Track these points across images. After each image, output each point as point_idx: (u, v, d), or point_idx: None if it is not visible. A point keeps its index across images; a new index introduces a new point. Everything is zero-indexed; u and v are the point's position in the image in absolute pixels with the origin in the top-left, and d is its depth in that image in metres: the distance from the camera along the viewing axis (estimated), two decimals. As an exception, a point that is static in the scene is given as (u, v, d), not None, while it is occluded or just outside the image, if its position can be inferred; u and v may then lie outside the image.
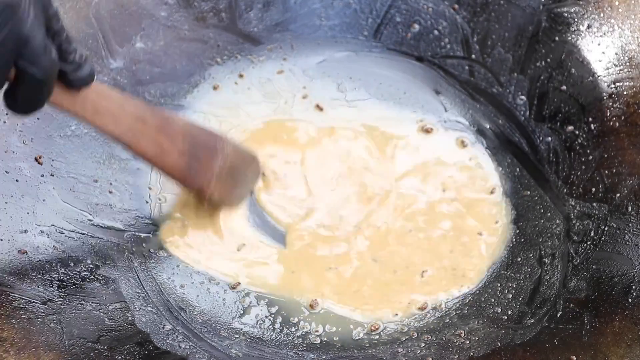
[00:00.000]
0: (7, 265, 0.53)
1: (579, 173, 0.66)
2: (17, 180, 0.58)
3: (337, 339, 0.58)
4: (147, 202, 0.66)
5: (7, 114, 0.59)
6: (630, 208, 0.60)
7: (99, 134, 0.59)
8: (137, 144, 0.55)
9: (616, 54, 0.68)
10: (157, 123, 0.56)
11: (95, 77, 0.48)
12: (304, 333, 0.59)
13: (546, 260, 0.62)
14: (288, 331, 0.59)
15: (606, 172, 0.64)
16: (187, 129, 0.59)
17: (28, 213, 0.57)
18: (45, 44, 0.41)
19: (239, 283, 0.61)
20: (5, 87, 0.41)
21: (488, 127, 0.74)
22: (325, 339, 0.58)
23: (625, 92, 0.66)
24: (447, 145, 0.72)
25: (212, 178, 0.60)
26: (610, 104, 0.67)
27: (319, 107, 0.74)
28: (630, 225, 0.60)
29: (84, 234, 0.59)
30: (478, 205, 0.67)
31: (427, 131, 0.73)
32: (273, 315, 0.60)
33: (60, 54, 0.43)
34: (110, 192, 0.64)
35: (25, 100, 0.43)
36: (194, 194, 0.63)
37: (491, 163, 0.71)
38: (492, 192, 0.68)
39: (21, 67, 0.40)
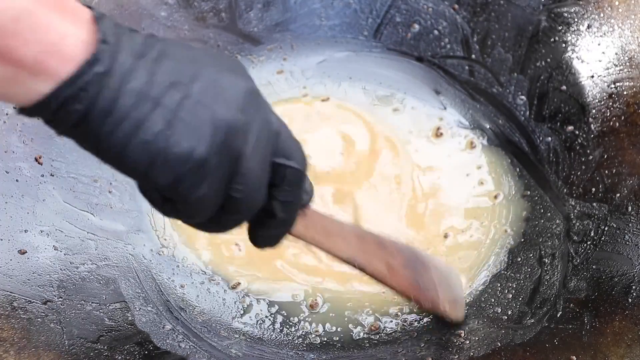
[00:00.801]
0: (7, 265, 0.53)
1: (579, 173, 0.66)
2: (17, 180, 0.58)
3: (337, 339, 0.58)
4: (147, 201, 0.66)
5: (7, 114, 0.59)
6: (630, 208, 0.60)
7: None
8: (370, 264, 0.52)
9: (616, 54, 0.68)
10: (374, 240, 0.53)
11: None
12: (304, 333, 0.59)
13: (546, 260, 0.62)
14: (288, 331, 0.59)
15: (606, 172, 0.64)
16: (396, 244, 0.55)
17: (28, 213, 0.57)
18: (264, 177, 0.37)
19: (239, 283, 0.61)
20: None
21: (488, 127, 0.74)
22: (325, 339, 0.58)
23: (625, 92, 0.66)
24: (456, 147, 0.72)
25: (436, 291, 0.56)
26: (610, 104, 0.67)
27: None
28: (630, 225, 0.60)
29: (84, 234, 0.59)
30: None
31: (438, 135, 0.73)
32: (273, 315, 0.60)
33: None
34: (110, 192, 0.64)
35: (273, 235, 0.41)
36: (426, 308, 0.59)
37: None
38: (495, 197, 0.68)
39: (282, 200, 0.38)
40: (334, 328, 0.59)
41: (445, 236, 0.65)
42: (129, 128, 0.31)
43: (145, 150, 0.31)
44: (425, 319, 0.60)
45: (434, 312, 0.58)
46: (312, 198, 0.44)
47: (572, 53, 0.71)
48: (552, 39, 0.73)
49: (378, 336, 0.59)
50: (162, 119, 0.31)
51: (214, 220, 0.37)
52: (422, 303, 0.57)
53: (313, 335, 0.58)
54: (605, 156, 0.65)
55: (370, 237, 0.52)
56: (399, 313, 0.60)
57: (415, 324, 0.59)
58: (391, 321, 0.60)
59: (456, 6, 0.78)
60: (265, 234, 0.41)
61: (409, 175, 0.70)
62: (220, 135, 0.33)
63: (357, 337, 0.58)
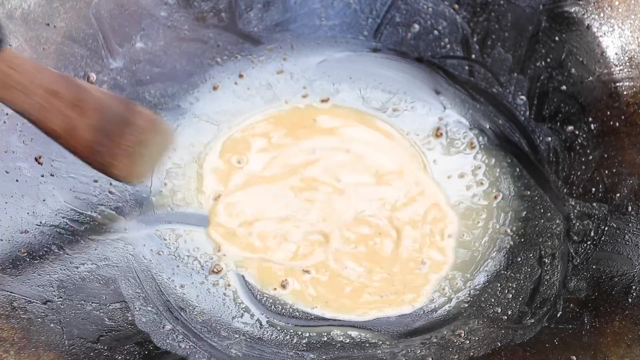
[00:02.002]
0: (7, 265, 0.53)
1: (579, 173, 0.66)
2: (17, 180, 0.58)
3: (337, 338, 0.58)
4: (147, 201, 0.66)
5: (7, 114, 0.59)
6: (630, 208, 0.60)
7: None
8: (46, 121, 0.52)
9: (616, 54, 0.68)
10: (71, 96, 0.53)
11: (5, 45, 0.46)
12: (304, 333, 0.59)
13: (546, 260, 0.62)
14: (288, 331, 0.59)
15: (606, 172, 0.64)
16: (101, 100, 0.56)
17: (28, 213, 0.57)
18: None
19: (222, 268, 0.62)
20: None
21: (488, 127, 0.74)
22: (326, 339, 0.58)
23: (625, 92, 0.66)
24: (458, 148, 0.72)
25: (121, 155, 0.57)
26: (610, 104, 0.67)
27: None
28: (630, 225, 0.60)
29: (84, 234, 0.59)
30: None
31: (438, 135, 0.73)
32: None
33: None
34: (110, 192, 0.64)
35: None
36: (98, 169, 0.59)
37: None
38: (495, 197, 0.68)
39: None
40: (334, 328, 0.59)
41: (445, 236, 0.65)
42: None
43: None
44: (425, 319, 0.60)
45: (103, 173, 0.59)
46: None
47: (572, 53, 0.71)
48: (552, 39, 0.73)
49: (378, 336, 0.59)
50: None
51: None
52: (91, 165, 0.57)
53: (313, 335, 0.58)
54: (605, 156, 0.65)
55: (67, 94, 0.52)
56: (400, 312, 0.60)
57: (416, 323, 0.60)
58: (391, 321, 0.60)
59: (456, 6, 0.78)
60: None
61: (409, 174, 0.70)
62: None
63: (357, 337, 0.58)
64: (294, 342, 0.58)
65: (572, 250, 0.61)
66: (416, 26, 0.79)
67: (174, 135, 0.64)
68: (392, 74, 0.78)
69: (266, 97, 0.75)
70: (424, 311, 0.61)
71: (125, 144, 0.57)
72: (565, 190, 0.66)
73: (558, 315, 0.56)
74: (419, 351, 0.56)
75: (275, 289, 0.61)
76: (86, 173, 0.63)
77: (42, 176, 0.60)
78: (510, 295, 0.60)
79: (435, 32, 0.78)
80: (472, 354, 0.55)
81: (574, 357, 0.51)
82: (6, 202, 0.56)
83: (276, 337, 0.58)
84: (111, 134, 0.56)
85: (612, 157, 0.64)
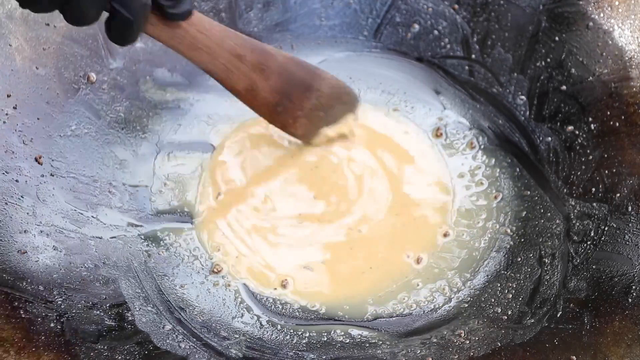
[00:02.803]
0: (7, 265, 0.53)
1: (579, 173, 0.66)
2: (17, 181, 0.58)
3: (337, 338, 0.58)
4: (147, 202, 0.66)
5: (7, 114, 0.59)
6: (630, 208, 0.60)
7: (106, 129, 0.61)
8: (229, 81, 0.58)
9: (616, 54, 0.68)
10: (255, 60, 0.58)
11: (193, 12, 0.52)
12: (304, 333, 0.59)
13: (546, 260, 0.62)
14: (288, 331, 0.59)
15: (606, 172, 0.64)
16: (285, 65, 0.60)
17: (28, 213, 0.57)
18: None
19: (222, 268, 0.62)
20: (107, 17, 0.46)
21: (488, 127, 0.74)
22: (326, 339, 0.58)
23: (625, 92, 0.66)
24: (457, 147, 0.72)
25: (301, 116, 0.61)
26: (610, 103, 0.67)
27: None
28: (630, 225, 0.60)
29: (84, 234, 0.59)
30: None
31: (438, 135, 0.73)
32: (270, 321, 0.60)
33: None
34: (110, 192, 0.64)
35: (117, 34, 0.48)
36: (278, 127, 0.65)
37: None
38: (495, 197, 0.68)
39: (114, 7, 0.45)
40: (334, 328, 0.59)
41: (445, 235, 0.65)
42: None
43: None
44: (426, 318, 0.60)
45: (283, 130, 0.65)
46: (187, 11, 0.51)
47: (572, 53, 0.71)
48: (552, 39, 0.73)
49: (378, 336, 0.59)
50: None
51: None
52: (271, 122, 0.64)
53: (313, 335, 0.58)
54: (605, 156, 0.65)
55: (251, 57, 0.58)
56: (399, 311, 0.60)
57: (415, 323, 0.60)
58: (391, 320, 0.60)
59: (456, 6, 0.78)
60: (113, 32, 0.48)
61: (409, 173, 0.70)
62: None
63: (357, 337, 0.58)
64: (294, 342, 0.58)
65: (572, 250, 0.61)
66: (416, 26, 0.79)
67: (358, 101, 0.68)
68: (392, 74, 0.78)
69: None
70: (424, 311, 0.61)
71: (307, 107, 0.62)
72: (565, 190, 0.66)
73: (558, 315, 0.56)
74: (419, 351, 0.56)
75: (275, 288, 0.61)
76: (86, 173, 0.63)
77: (42, 176, 0.60)
78: (510, 295, 0.60)
79: (435, 32, 0.78)
80: (472, 354, 0.55)
81: (574, 357, 0.51)
82: (6, 202, 0.56)
83: (276, 337, 0.58)
84: (293, 97, 0.61)
85: (612, 157, 0.64)
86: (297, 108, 0.61)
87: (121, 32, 0.48)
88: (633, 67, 0.67)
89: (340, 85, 0.66)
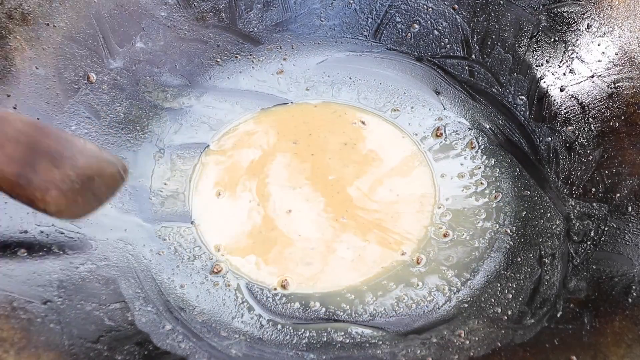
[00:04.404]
0: (7, 265, 0.53)
1: (579, 173, 0.66)
2: (17, 180, 0.58)
3: (337, 338, 0.58)
4: (147, 202, 0.66)
5: (7, 114, 0.59)
6: (630, 208, 0.60)
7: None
8: None
9: (616, 54, 0.68)
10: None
11: None
12: (304, 333, 0.59)
13: (546, 260, 0.62)
14: (288, 331, 0.59)
15: (606, 172, 0.64)
16: (25, 131, 0.53)
17: (28, 213, 0.57)
18: None
19: (222, 268, 0.62)
20: None
21: (488, 127, 0.74)
22: (326, 339, 0.58)
23: (625, 92, 0.66)
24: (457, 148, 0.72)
25: (51, 188, 0.53)
26: (610, 104, 0.67)
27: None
28: (630, 225, 0.60)
29: (84, 234, 0.59)
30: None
31: (438, 135, 0.73)
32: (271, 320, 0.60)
33: None
34: (110, 192, 0.64)
35: None
36: (24, 202, 0.55)
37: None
38: (495, 197, 0.68)
39: None
40: (334, 328, 0.59)
41: (445, 235, 0.65)
42: None
43: None
44: (425, 319, 0.60)
45: (31, 207, 0.54)
46: None
47: (572, 53, 0.71)
48: (552, 39, 0.73)
49: (378, 336, 0.59)
50: None
51: None
52: (15, 198, 0.53)
53: (313, 335, 0.58)
54: (605, 156, 0.65)
55: None
56: (399, 310, 0.60)
57: (415, 323, 0.59)
58: (391, 320, 0.60)
59: (456, 6, 0.78)
60: None
61: (409, 174, 0.70)
62: None
63: (357, 337, 0.58)
64: (294, 342, 0.58)
65: (572, 250, 0.61)
66: (416, 26, 0.79)
67: (124, 177, 0.58)
68: (392, 74, 0.78)
69: (267, 97, 0.75)
70: (424, 311, 0.61)
71: (57, 178, 0.54)
72: (565, 190, 0.66)
73: (558, 315, 0.56)
74: (419, 351, 0.56)
75: (275, 289, 0.61)
76: (86, 173, 0.63)
77: (42, 176, 0.60)
78: (510, 295, 0.60)
79: (435, 32, 0.78)
80: (472, 354, 0.55)
81: (574, 357, 0.51)
82: (6, 202, 0.56)
83: (276, 337, 0.58)
84: (37, 168, 0.53)
85: (612, 157, 0.64)
86: (44, 179, 0.53)
87: None
88: (633, 67, 0.67)
89: (101, 155, 0.58)
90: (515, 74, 0.74)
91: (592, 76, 0.69)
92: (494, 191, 0.69)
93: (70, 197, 0.55)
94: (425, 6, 0.79)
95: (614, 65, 0.68)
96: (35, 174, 0.53)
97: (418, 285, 0.62)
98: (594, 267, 0.59)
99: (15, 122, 0.53)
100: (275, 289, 0.61)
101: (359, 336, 0.59)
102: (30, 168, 0.53)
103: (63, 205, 0.55)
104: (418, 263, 0.63)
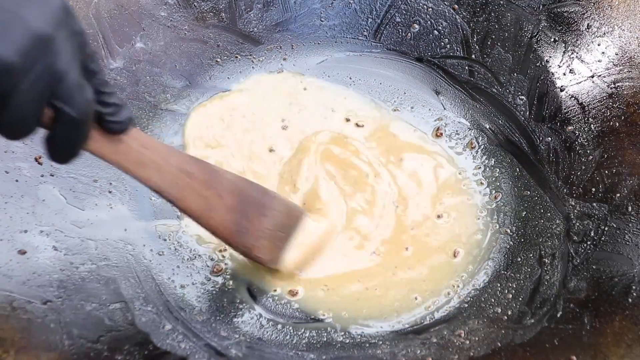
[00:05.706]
0: (7, 265, 0.53)
1: (579, 173, 0.66)
2: (17, 181, 0.58)
3: (337, 338, 0.58)
4: (147, 202, 0.66)
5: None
6: (630, 208, 0.60)
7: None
8: (183, 199, 0.52)
9: (616, 54, 0.68)
10: (204, 177, 0.53)
11: (134, 124, 0.47)
12: (304, 333, 0.59)
13: (546, 260, 0.62)
14: (288, 331, 0.59)
15: (606, 172, 0.64)
16: (235, 183, 0.55)
17: (28, 213, 0.57)
18: (81, 82, 0.38)
19: (222, 268, 0.62)
20: (46, 134, 0.40)
21: (488, 127, 0.74)
22: (325, 339, 0.58)
23: (625, 92, 0.66)
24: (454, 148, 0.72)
25: (262, 237, 0.56)
26: (610, 104, 0.67)
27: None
28: (630, 225, 0.60)
29: (84, 234, 0.59)
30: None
31: (438, 135, 0.73)
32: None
33: (97, 96, 0.41)
34: (110, 192, 0.64)
35: (63, 144, 0.40)
36: (240, 252, 0.59)
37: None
38: (495, 197, 0.68)
39: (56, 105, 0.37)
40: (335, 328, 0.59)
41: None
42: None
43: None
44: (425, 319, 0.60)
45: (247, 256, 0.59)
46: (128, 125, 0.45)
47: (572, 53, 0.71)
48: (552, 39, 0.73)
49: (378, 336, 0.59)
50: None
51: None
52: (233, 246, 0.57)
53: (313, 335, 0.58)
54: (605, 156, 0.65)
55: (200, 174, 0.52)
56: (400, 312, 0.60)
57: (416, 323, 0.60)
58: (391, 320, 0.60)
59: (456, 6, 0.78)
60: (58, 141, 0.41)
61: (409, 174, 0.70)
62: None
63: (357, 337, 0.58)
64: (294, 342, 0.58)
65: (572, 250, 0.61)
66: (416, 26, 0.79)
67: (304, 219, 0.61)
68: (392, 74, 0.78)
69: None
70: (424, 311, 0.61)
71: (266, 226, 0.57)
72: (565, 190, 0.66)
73: (558, 315, 0.56)
74: (419, 351, 0.56)
75: (275, 290, 0.61)
76: (86, 173, 0.63)
77: (42, 176, 0.60)
78: (510, 295, 0.60)
79: (435, 32, 0.78)
80: (472, 354, 0.55)
81: (574, 357, 0.51)
82: (6, 202, 0.56)
83: (276, 337, 0.58)
84: (250, 216, 0.55)
85: (612, 157, 0.64)
86: (256, 228, 0.56)
87: (67, 138, 0.40)
88: (633, 67, 0.67)
89: (290, 203, 0.61)
90: (515, 74, 0.74)
91: (592, 76, 0.69)
92: (494, 191, 0.69)
93: (275, 244, 0.59)
94: (425, 6, 0.79)
95: (614, 65, 0.68)
96: (249, 223, 0.56)
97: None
98: (594, 267, 0.59)
99: (225, 174, 0.55)
100: (275, 290, 0.61)
101: (359, 336, 0.59)
102: (244, 217, 0.55)
103: (273, 253, 0.59)
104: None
